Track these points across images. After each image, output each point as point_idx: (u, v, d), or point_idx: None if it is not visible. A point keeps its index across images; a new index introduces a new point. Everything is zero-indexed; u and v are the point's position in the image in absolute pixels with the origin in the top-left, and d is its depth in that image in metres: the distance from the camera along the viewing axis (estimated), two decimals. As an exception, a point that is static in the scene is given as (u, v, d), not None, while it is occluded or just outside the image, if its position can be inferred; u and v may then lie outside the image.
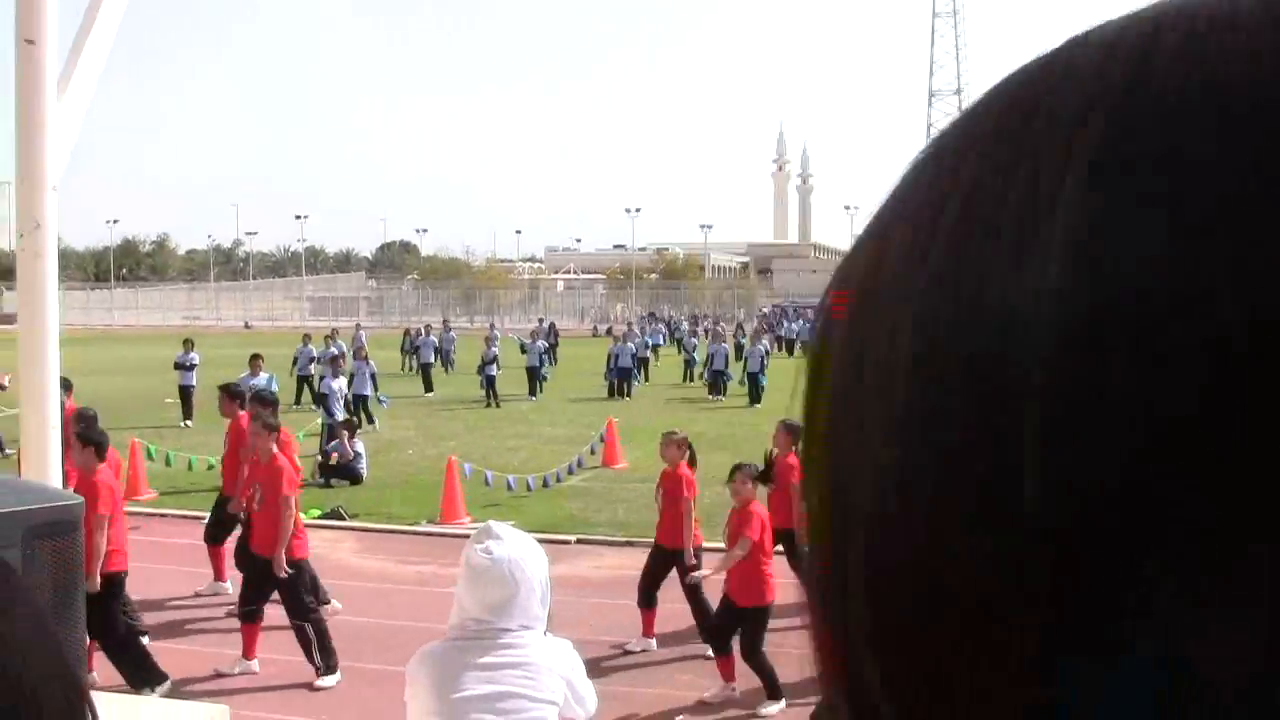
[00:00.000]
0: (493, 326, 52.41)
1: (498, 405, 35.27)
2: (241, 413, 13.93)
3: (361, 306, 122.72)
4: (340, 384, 23.66)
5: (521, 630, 4.11)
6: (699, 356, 43.78)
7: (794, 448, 11.97)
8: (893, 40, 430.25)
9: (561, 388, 41.49)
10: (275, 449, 11.17)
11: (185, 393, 30.03)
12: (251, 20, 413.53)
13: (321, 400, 24.75)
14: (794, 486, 11.94)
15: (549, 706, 4.13)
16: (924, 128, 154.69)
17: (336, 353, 34.29)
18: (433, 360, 41.52)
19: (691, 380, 43.95)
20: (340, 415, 22.99)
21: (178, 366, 30.46)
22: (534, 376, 38.53)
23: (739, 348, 45.44)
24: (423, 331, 45.24)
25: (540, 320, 55.60)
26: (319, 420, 26.58)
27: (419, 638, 11.51)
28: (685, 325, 66.44)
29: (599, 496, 19.88)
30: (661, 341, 59.26)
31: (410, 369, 44.15)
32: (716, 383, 38.83)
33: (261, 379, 23.29)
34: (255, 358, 23.85)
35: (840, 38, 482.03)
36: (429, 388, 39.12)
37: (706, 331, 51.65)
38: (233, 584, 13.36)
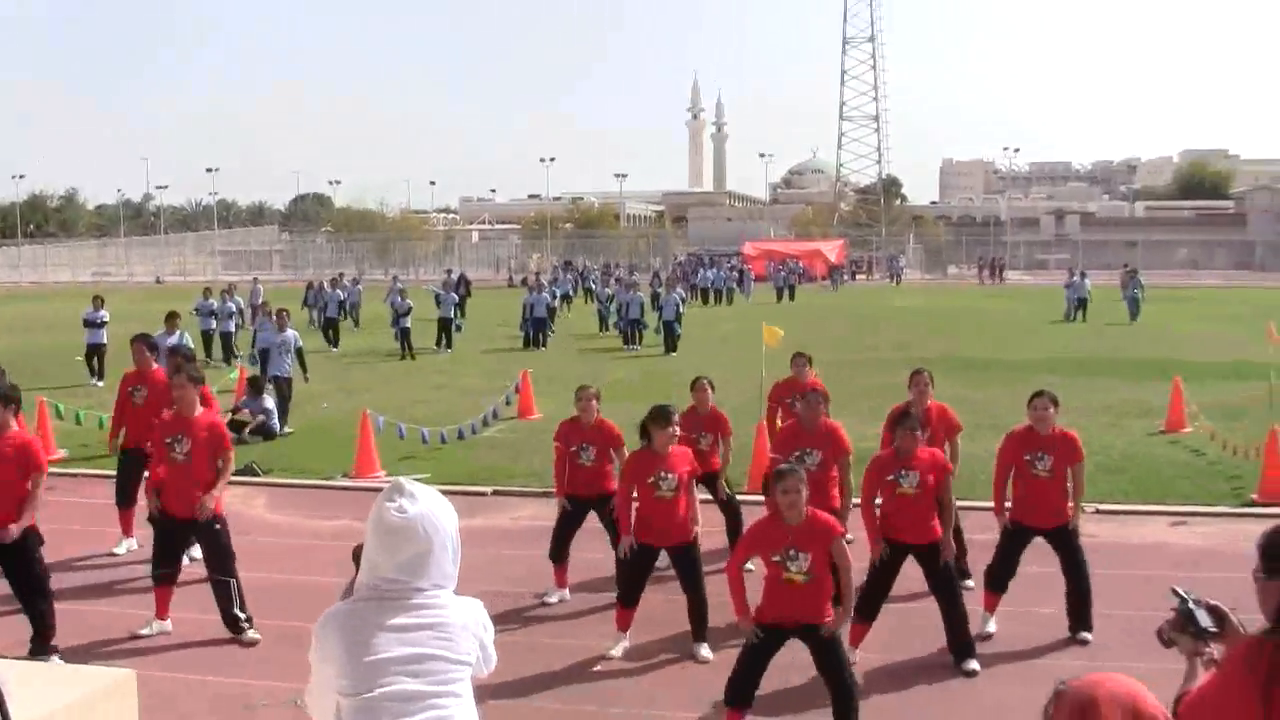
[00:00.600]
0: (395, 279, 51.83)
1: (412, 357, 35.10)
2: (155, 367, 13.80)
3: (275, 260, 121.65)
4: (287, 337, 23.17)
5: (435, 589, 4.04)
6: (611, 306, 43.76)
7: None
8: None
9: (476, 339, 41.40)
10: (198, 401, 10.93)
11: (95, 350, 29.50)
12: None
13: (263, 356, 24.37)
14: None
15: (464, 667, 4.07)
16: (838, 75, 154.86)
17: (253, 305, 34.07)
18: (338, 315, 40.78)
19: (606, 330, 43.97)
20: (288, 369, 22.79)
21: (86, 324, 29.84)
22: (445, 329, 38.23)
23: (654, 296, 45.45)
24: (325, 285, 44.73)
25: (450, 272, 55.00)
26: (229, 375, 26.38)
27: (330, 592, 11.48)
28: (598, 274, 66.33)
29: (514, 447, 19.87)
30: (571, 291, 59.15)
31: (314, 323, 43.49)
32: (631, 332, 38.91)
33: (175, 337, 23.04)
34: (171, 316, 23.37)
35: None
36: (334, 342, 38.56)
37: (618, 280, 51.44)
38: (139, 541, 13.25)
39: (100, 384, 28.02)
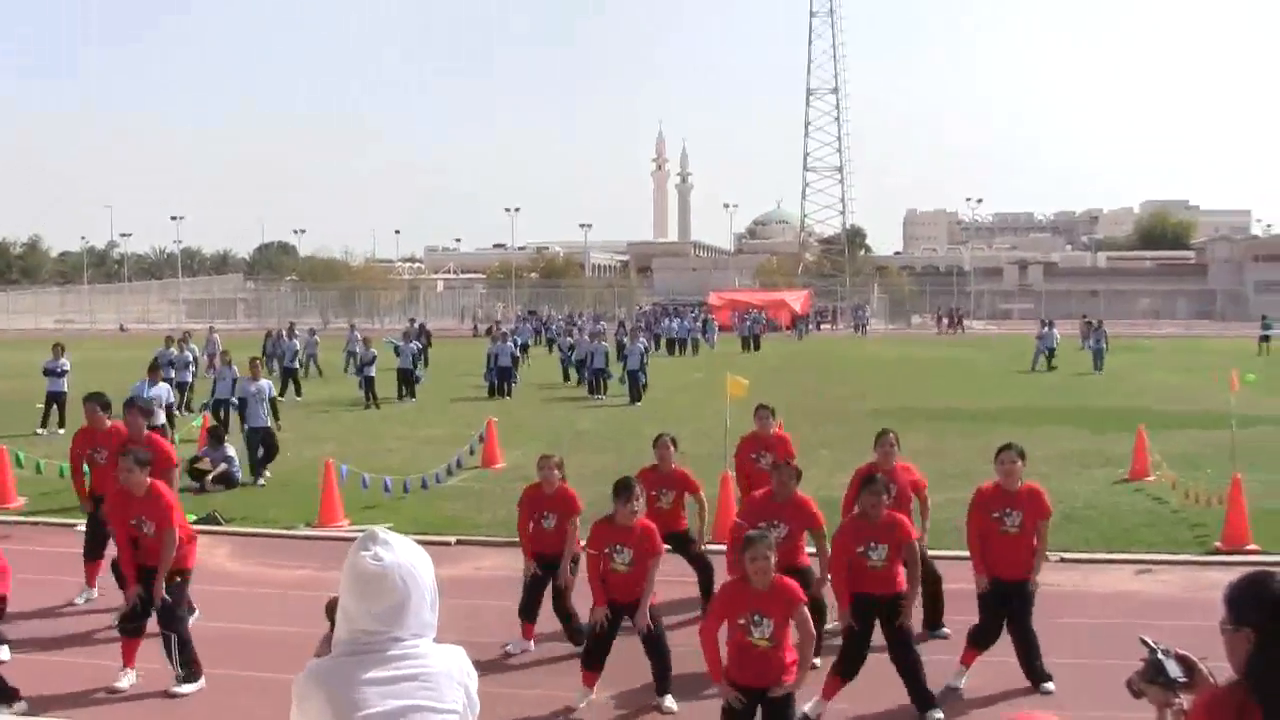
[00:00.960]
0: (353, 327, 51.54)
1: (376, 406, 34.98)
2: (110, 424, 13.72)
3: (239, 308, 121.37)
4: (262, 386, 22.84)
5: (414, 639, 3.92)
6: (576, 356, 43.63)
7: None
8: (770, 39, 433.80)
9: (441, 388, 41.29)
10: (148, 480, 10.72)
11: (55, 399, 29.24)
12: (118, 17, 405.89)
13: (241, 405, 23.59)
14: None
15: (452, 715, 3.96)
16: (802, 125, 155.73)
17: (209, 354, 33.65)
18: (297, 365, 40.43)
19: (569, 380, 43.87)
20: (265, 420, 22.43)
21: (47, 373, 29.60)
22: (405, 379, 37.99)
23: (619, 346, 45.46)
24: (283, 335, 44.49)
25: (412, 321, 54.88)
26: (193, 423, 26.20)
27: (294, 643, 11.37)
28: (561, 324, 66.25)
29: (479, 497, 19.77)
30: (529, 341, 58.98)
31: (274, 373, 42.85)
32: (596, 381, 38.92)
33: (161, 390, 22.82)
34: (155, 366, 23.20)
35: (718, 37, 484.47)
36: (296, 391, 38.33)
37: (578, 329, 51.31)
38: (99, 590, 13.10)
39: (61, 432, 27.72)
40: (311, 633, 11.93)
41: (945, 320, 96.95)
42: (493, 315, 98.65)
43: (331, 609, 4.32)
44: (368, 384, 35.95)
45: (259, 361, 24.06)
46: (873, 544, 9.77)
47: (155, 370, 22.63)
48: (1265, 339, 60.52)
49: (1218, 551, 15.42)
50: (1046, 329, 52.38)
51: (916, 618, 10.66)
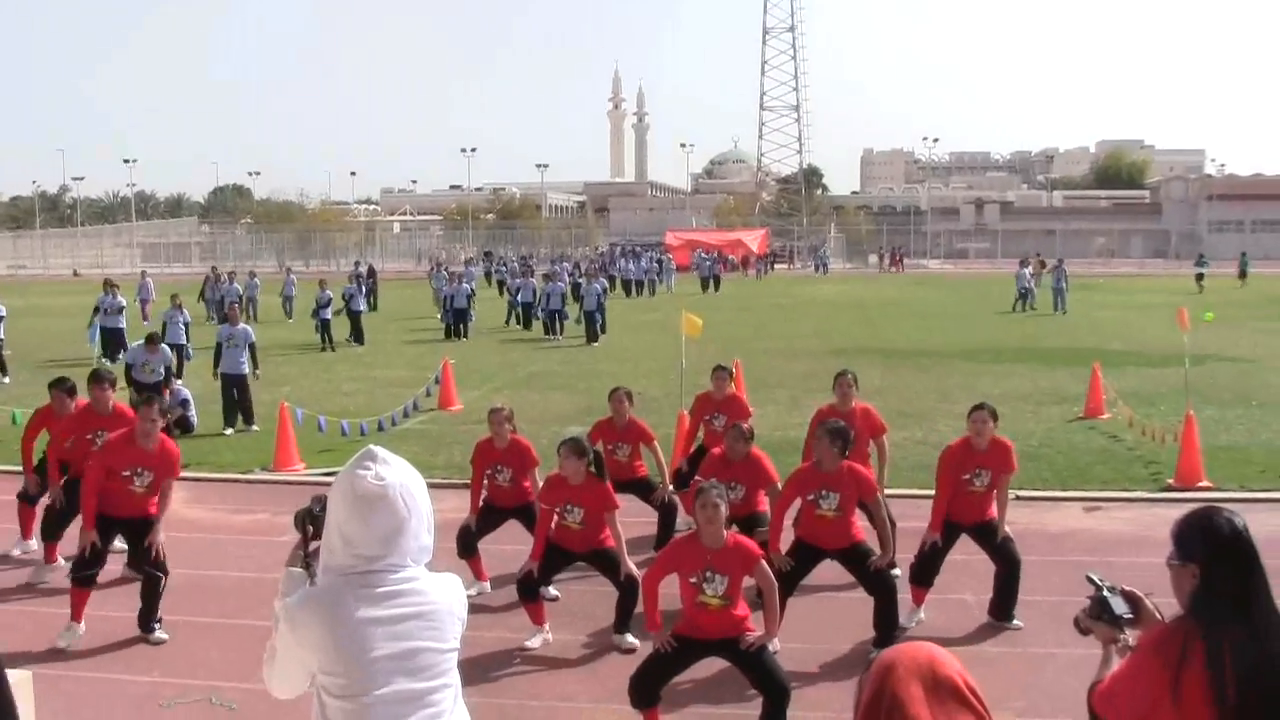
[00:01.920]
0: (289, 271, 51.04)
1: (332, 349, 34.80)
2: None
3: (194, 252, 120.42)
4: (238, 331, 21.71)
5: (413, 566, 3.86)
6: (521, 298, 43.31)
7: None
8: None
9: (398, 329, 41.16)
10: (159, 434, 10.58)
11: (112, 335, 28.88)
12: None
13: (217, 350, 22.03)
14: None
15: (452, 654, 3.92)
16: (759, 65, 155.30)
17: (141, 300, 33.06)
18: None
19: (514, 323, 43.33)
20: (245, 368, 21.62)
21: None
22: (355, 322, 37.61)
23: (575, 287, 45.31)
24: (225, 278, 44.00)
25: (356, 264, 54.46)
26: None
27: (254, 587, 11.34)
28: (512, 265, 65.57)
29: (435, 439, 19.72)
30: (473, 284, 58.28)
31: (213, 318, 42.03)
32: (553, 321, 38.90)
33: (240, 328, 21.96)
34: (152, 340, 21.79)
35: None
36: None
37: (528, 272, 50.65)
38: (36, 541, 12.85)
39: (6, 380, 27.42)
40: (269, 578, 11.90)
41: (888, 259, 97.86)
42: (436, 256, 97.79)
43: (302, 520, 4.22)
44: (323, 326, 35.81)
45: (235, 305, 23.22)
46: (824, 492, 9.79)
47: (154, 342, 21.21)
48: (1200, 277, 61.25)
49: (1171, 489, 15.53)
50: (1021, 269, 51.94)
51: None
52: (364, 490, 3.74)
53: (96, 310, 31.57)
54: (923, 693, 2.83)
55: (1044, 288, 50.27)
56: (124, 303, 33.44)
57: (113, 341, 31.27)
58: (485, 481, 11.51)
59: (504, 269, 62.59)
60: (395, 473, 3.80)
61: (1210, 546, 4.07)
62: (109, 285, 33.54)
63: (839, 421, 10.60)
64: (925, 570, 10.54)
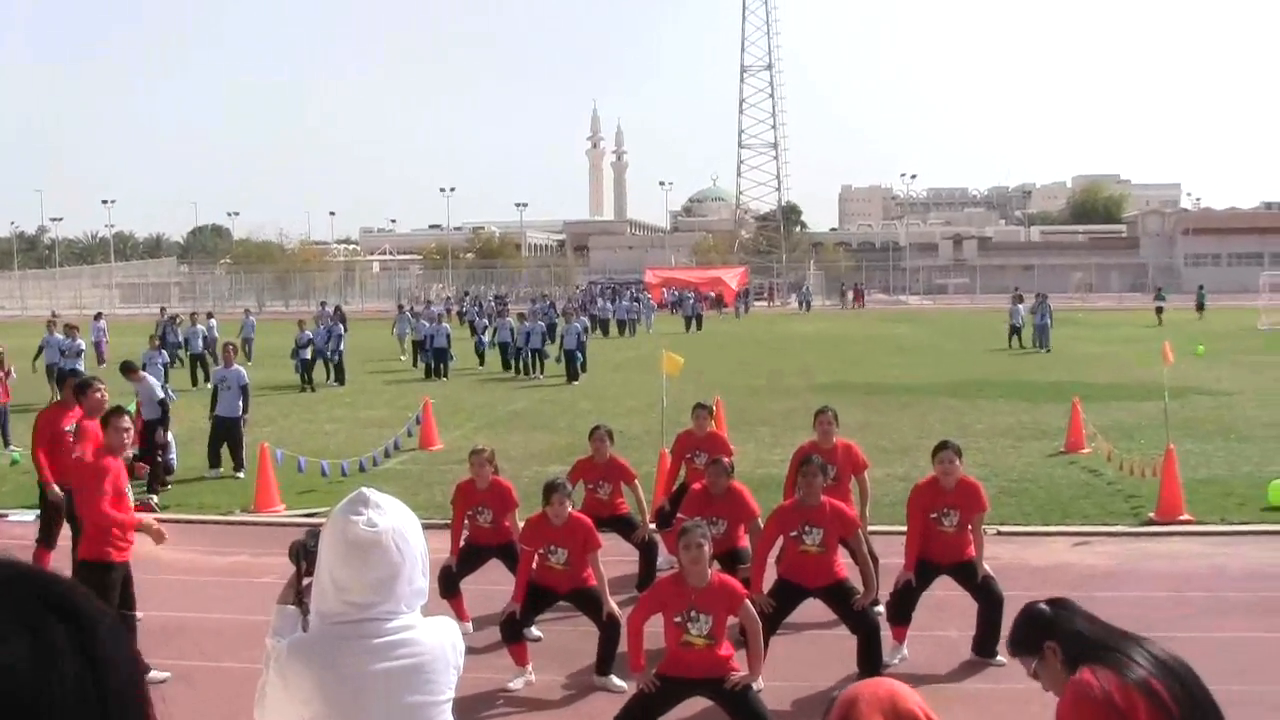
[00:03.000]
0: (247, 312, 50.75)
1: (311, 389, 34.71)
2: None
3: (173, 292, 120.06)
4: (230, 374, 21.14)
5: (408, 613, 3.71)
6: (487, 338, 43.10)
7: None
8: (704, 17, 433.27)
9: (378, 369, 41.13)
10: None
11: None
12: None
13: (213, 392, 21.54)
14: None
15: (447, 705, 3.81)
16: (736, 103, 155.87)
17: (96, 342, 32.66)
18: (203, 350, 38.52)
19: (484, 364, 42.52)
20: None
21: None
22: (327, 363, 37.25)
23: (550, 326, 45.17)
24: (188, 320, 43.53)
25: (323, 304, 54.05)
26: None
27: (235, 629, 11.26)
28: (482, 305, 64.98)
29: (416, 479, 19.65)
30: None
31: (177, 363, 40.72)
32: (533, 361, 38.96)
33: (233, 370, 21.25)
34: (128, 367, 21.76)
35: (652, 13, 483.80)
36: (206, 377, 35.29)
37: (501, 312, 50.05)
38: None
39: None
40: (246, 619, 11.87)
41: (851, 295, 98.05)
42: (412, 297, 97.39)
43: (296, 553, 4.08)
44: (303, 366, 35.74)
45: (232, 346, 22.71)
46: (807, 527, 9.78)
47: (131, 370, 20.90)
48: (1160, 310, 61.63)
49: (1152, 522, 15.55)
50: (1020, 305, 49.87)
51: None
52: (355, 537, 3.60)
53: (40, 351, 31.68)
54: None
55: (1026, 324, 50.11)
56: (83, 345, 33.21)
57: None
58: (466, 522, 11.49)
59: (475, 308, 62.06)
60: (389, 517, 3.66)
61: (1049, 624, 4.33)
62: (68, 328, 33.20)
63: (815, 455, 10.66)
64: (901, 608, 10.53)
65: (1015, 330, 48.91)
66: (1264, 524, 15.45)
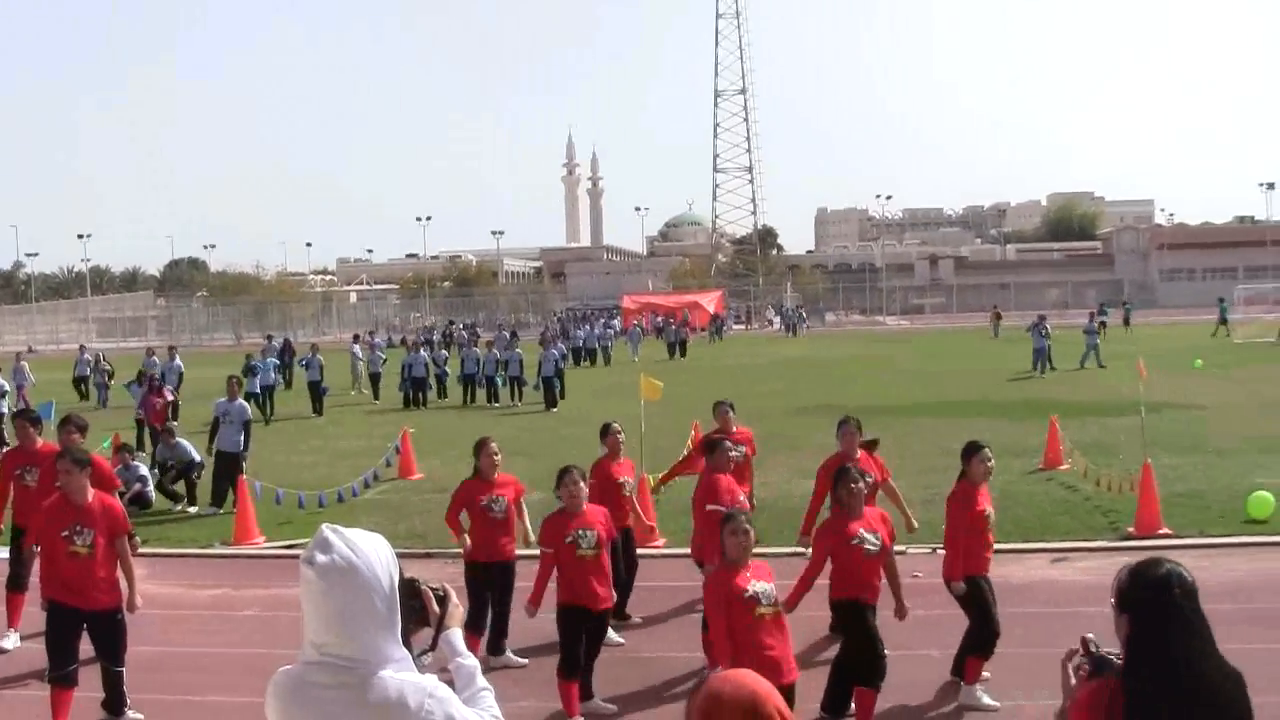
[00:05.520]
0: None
1: (266, 422, 34.69)
2: (41, 443, 12.85)
3: (150, 326, 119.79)
4: (234, 408, 21.04)
5: (364, 664, 3.49)
6: (450, 368, 42.92)
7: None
8: (677, 42, 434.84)
9: (357, 400, 41.12)
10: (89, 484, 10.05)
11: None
12: (16, 31, 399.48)
13: (214, 426, 21.65)
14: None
15: None
16: (710, 127, 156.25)
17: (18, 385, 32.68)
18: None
19: (444, 396, 41.91)
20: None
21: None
22: (269, 396, 37.01)
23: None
24: (99, 357, 42.60)
25: (269, 337, 53.49)
26: (102, 445, 25.75)
27: (215, 664, 11.23)
28: (451, 334, 64.59)
29: (396, 509, 19.62)
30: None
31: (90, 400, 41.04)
32: (513, 389, 39.05)
33: (236, 404, 21.23)
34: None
35: (625, 40, 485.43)
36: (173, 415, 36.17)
37: (469, 341, 49.77)
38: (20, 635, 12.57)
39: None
40: (227, 653, 11.83)
41: (782, 320, 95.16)
42: (389, 326, 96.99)
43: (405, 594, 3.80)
44: (265, 393, 36.11)
45: (236, 380, 22.44)
46: (864, 533, 9.53)
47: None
48: (1103, 325, 61.84)
49: (1131, 537, 15.61)
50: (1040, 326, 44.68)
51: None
52: (304, 574, 3.49)
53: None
54: None
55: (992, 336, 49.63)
56: (6, 387, 33.04)
57: None
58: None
59: (443, 338, 61.44)
60: (332, 554, 3.48)
61: (1137, 595, 4.20)
62: None
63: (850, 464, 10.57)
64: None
65: (1038, 353, 44.08)
66: (1242, 536, 15.54)
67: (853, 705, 9.42)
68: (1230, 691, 4.07)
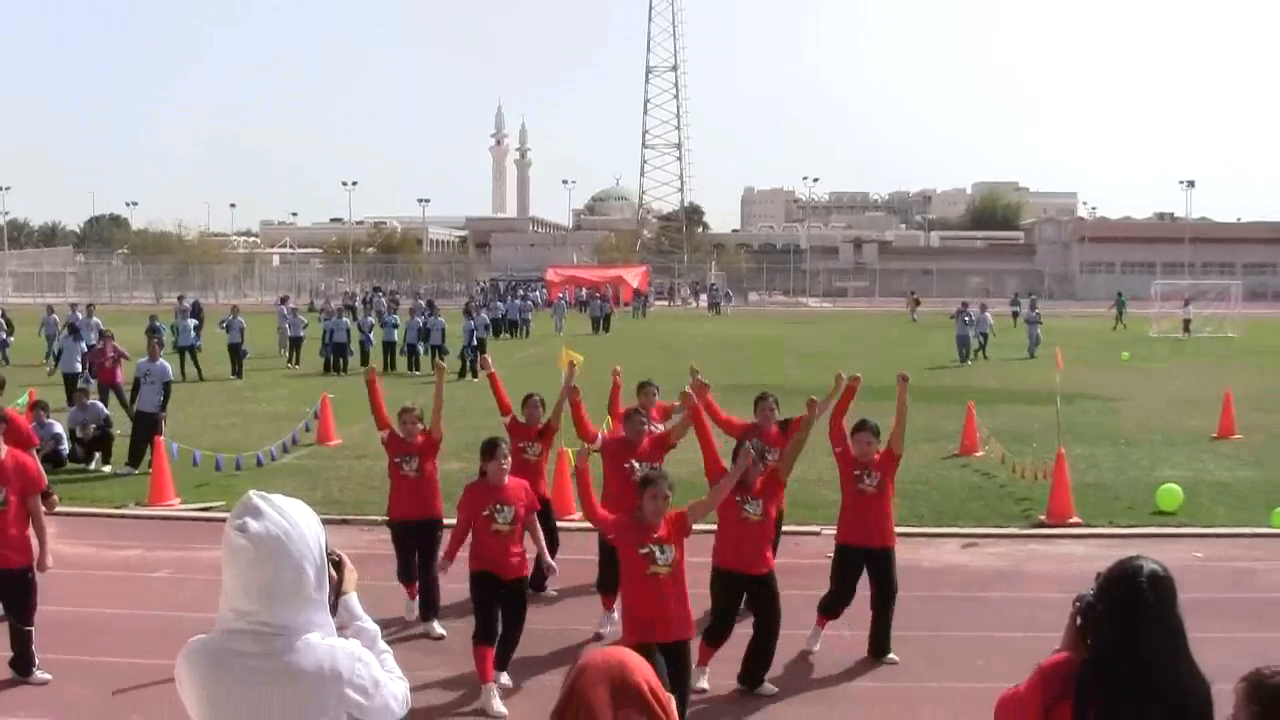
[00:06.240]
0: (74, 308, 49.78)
1: (200, 379, 34.58)
2: None
3: (69, 282, 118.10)
4: (155, 368, 20.81)
5: (294, 633, 3.50)
6: (375, 337, 42.55)
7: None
8: (610, 16, 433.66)
9: (277, 363, 40.81)
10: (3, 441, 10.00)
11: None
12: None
13: (134, 386, 21.40)
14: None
15: None
16: (641, 103, 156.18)
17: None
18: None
19: (330, 368, 40.41)
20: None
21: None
22: (193, 356, 36.76)
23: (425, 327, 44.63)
24: (85, 310, 42.36)
25: (180, 298, 52.95)
26: (18, 402, 25.43)
27: (127, 624, 11.15)
28: (371, 301, 64.33)
29: (314, 474, 19.54)
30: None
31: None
32: (434, 357, 38.86)
33: (159, 364, 20.96)
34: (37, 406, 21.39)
35: (558, 12, 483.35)
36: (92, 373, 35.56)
37: (391, 309, 49.50)
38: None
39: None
40: (140, 614, 11.75)
41: (705, 299, 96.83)
42: (315, 291, 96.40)
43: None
44: (191, 355, 36.05)
45: (159, 340, 22.02)
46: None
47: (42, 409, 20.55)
48: (1016, 314, 62.87)
49: (1042, 525, 15.82)
50: (973, 313, 45.17)
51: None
52: (227, 541, 3.47)
53: None
54: (608, 696, 2.90)
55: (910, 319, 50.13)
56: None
57: None
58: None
59: (364, 305, 61.03)
60: (265, 523, 3.47)
61: (1113, 589, 4.25)
62: None
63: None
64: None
65: (981, 339, 44.93)
66: (1150, 527, 15.79)
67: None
68: (1198, 694, 4.16)
